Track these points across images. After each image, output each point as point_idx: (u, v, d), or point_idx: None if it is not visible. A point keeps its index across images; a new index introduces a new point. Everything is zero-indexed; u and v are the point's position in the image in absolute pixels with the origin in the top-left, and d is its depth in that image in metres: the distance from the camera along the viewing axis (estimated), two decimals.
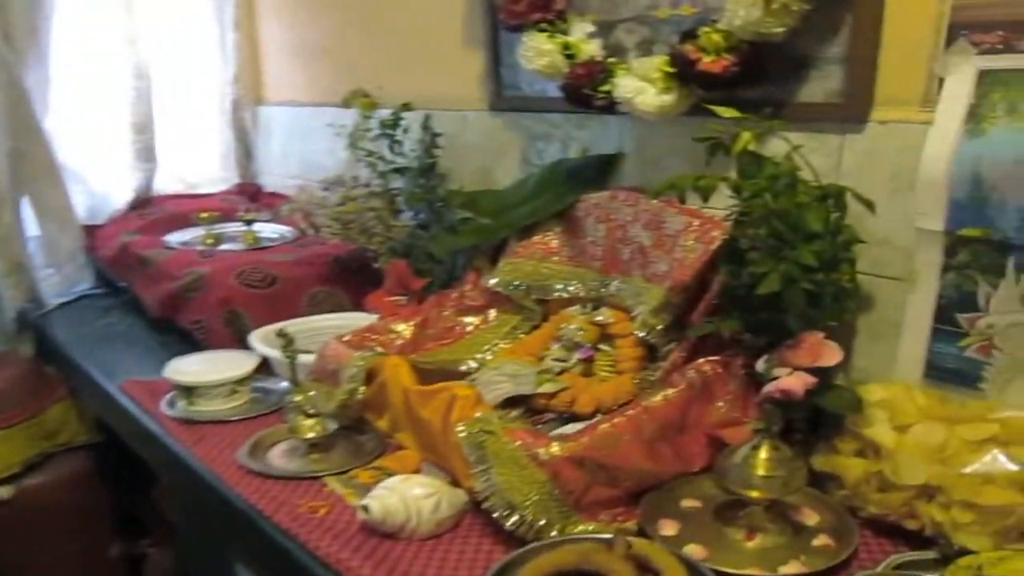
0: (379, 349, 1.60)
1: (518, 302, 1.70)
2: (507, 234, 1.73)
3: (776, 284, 1.16)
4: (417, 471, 1.34)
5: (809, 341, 1.19)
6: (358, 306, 2.08)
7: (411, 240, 1.92)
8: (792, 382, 1.17)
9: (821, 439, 1.24)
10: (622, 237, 1.58)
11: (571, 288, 1.63)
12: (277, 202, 2.48)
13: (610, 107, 1.50)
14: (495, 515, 1.16)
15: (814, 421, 1.25)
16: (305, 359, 1.55)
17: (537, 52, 1.57)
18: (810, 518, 1.18)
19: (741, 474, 1.14)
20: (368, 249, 1.97)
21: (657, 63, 1.40)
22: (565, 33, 1.58)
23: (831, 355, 1.18)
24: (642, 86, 1.41)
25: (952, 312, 1.18)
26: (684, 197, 1.40)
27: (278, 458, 1.45)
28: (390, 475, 1.28)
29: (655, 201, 1.53)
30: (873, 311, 1.28)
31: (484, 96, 1.92)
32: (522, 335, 1.68)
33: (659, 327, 1.39)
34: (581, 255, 1.65)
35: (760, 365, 1.22)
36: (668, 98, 1.39)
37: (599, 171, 1.68)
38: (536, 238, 1.71)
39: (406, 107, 1.93)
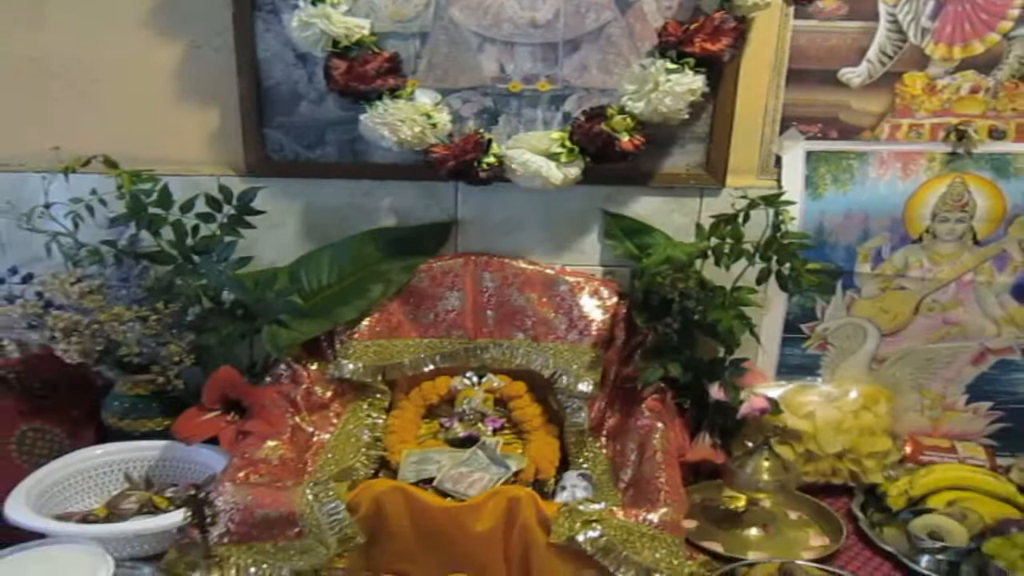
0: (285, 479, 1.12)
1: (372, 386, 1.37)
2: (352, 317, 1.36)
3: (741, 327, 1.23)
4: None
5: (752, 369, 1.29)
6: (76, 439, 1.38)
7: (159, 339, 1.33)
8: (760, 401, 1.26)
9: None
10: (487, 302, 1.41)
11: (436, 360, 1.39)
12: None
13: (489, 179, 1.32)
14: None
15: None
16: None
17: (403, 120, 1.27)
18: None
19: (750, 480, 1.20)
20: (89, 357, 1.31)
21: (555, 137, 1.30)
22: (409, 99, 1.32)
23: (765, 376, 1.31)
24: (541, 159, 1.28)
25: (797, 324, 1.43)
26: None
27: None
28: None
29: (521, 264, 1.42)
30: None
31: (230, 160, 1.45)
32: (381, 421, 1.37)
33: (598, 380, 1.30)
34: (434, 325, 1.41)
35: (720, 393, 1.27)
36: (574, 170, 1.30)
37: (432, 239, 1.45)
38: (376, 315, 1.40)
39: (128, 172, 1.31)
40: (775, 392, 1.37)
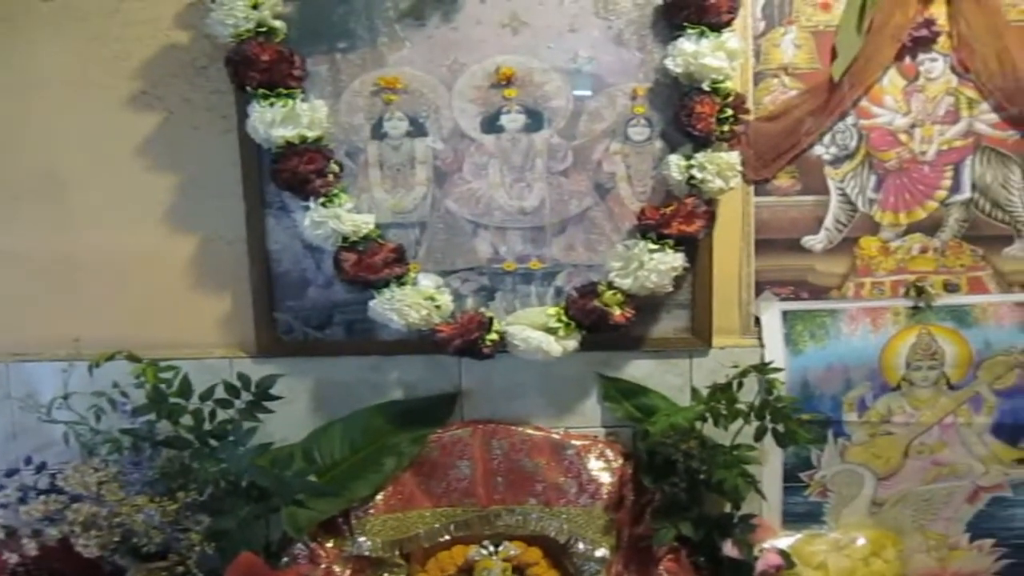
0: None
1: (388, 561, 1.36)
2: (367, 493, 1.38)
3: (746, 485, 1.26)
4: None
5: (761, 523, 1.31)
6: None
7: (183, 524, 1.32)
8: (774, 558, 1.27)
9: None
10: (497, 468, 1.44)
11: (450, 530, 1.39)
12: None
13: (493, 354, 1.39)
14: None
15: None
16: None
17: (410, 306, 1.36)
18: None
19: None
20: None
21: (551, 313, 1.39)
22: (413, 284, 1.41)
23: (774, 530, 1.33)
24: (541, 335, 1.36)
25: (795, 472, 1.46)
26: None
27: None
28: None
29: (527, 430, 1.46)
30: None
31: (242, 342, 1.52)
32: None
33: (613, 544, 1.31)
34: (446, 494, 1.43)
35: (734, 550, 1.28)
36: (572, 342, 1.38)
37: (440, 410, 1.49)
38: (389, 488, 1.41)
39: (133, 358, 1.36)
40: (785, 542, 1.38)
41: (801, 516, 1.47)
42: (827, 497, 1.47)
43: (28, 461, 1.43)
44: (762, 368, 1.27)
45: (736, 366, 1.30)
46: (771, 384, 1.26)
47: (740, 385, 1.29)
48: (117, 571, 1.42)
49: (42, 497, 1.31)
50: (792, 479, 1.46)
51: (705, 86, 1.33)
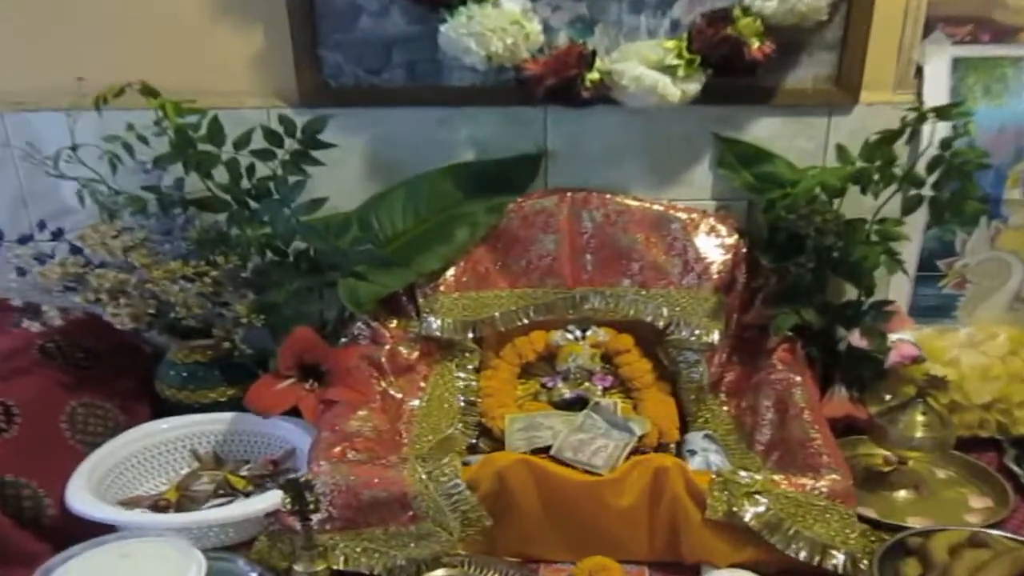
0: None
1: (459, 345, 1.21)
2: (436, 266, 1.20)
3: (892, 265, 1.06)
4: None
5: (897, 312, 1.13)
6: (131, 413, 1.22)
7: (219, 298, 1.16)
8: (910, 349, 1.10)
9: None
10: (586, 245, 1.24)
11: (530, 313, 1.22)
12: None
13: (593, 100, 1.13)
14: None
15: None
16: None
17: (492, 30, 1.08)
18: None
19: (903, 437, 1.05)
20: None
21: (669, 47, 1.10)
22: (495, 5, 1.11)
23: (910, 320, 1.15)
24: (656, 73, 1.09)
25: (933, 260, 1.26)
26: None
27: None
28: None
29: (624, 200, 1.24)
30: None
31: (279, 89, 1.26)
32: (474, 384, 1.21)
33: (723, 330, 1.15)
34: (526, 273, 1.24)
35: (862, 341, 1.11)
36: (693, 86, 1.11)
37: (520, 174, 1.27)
38: (461, 264, 1.23)
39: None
40: (910, 337, 1.21)
41: (930, 310, 1.28)
42: (964, 289, 1.27)
43: (42, 226, 1.23)
44: (947, 110, 1.01)
45: (915, 108, 1.03)
46: (963, 129, 1.00)
47: (914, 135, 1.04)
48: (158, 351, 1.31)
49: (59, 258, 1.13)
50: (927, 268, 1.26)
51: None
